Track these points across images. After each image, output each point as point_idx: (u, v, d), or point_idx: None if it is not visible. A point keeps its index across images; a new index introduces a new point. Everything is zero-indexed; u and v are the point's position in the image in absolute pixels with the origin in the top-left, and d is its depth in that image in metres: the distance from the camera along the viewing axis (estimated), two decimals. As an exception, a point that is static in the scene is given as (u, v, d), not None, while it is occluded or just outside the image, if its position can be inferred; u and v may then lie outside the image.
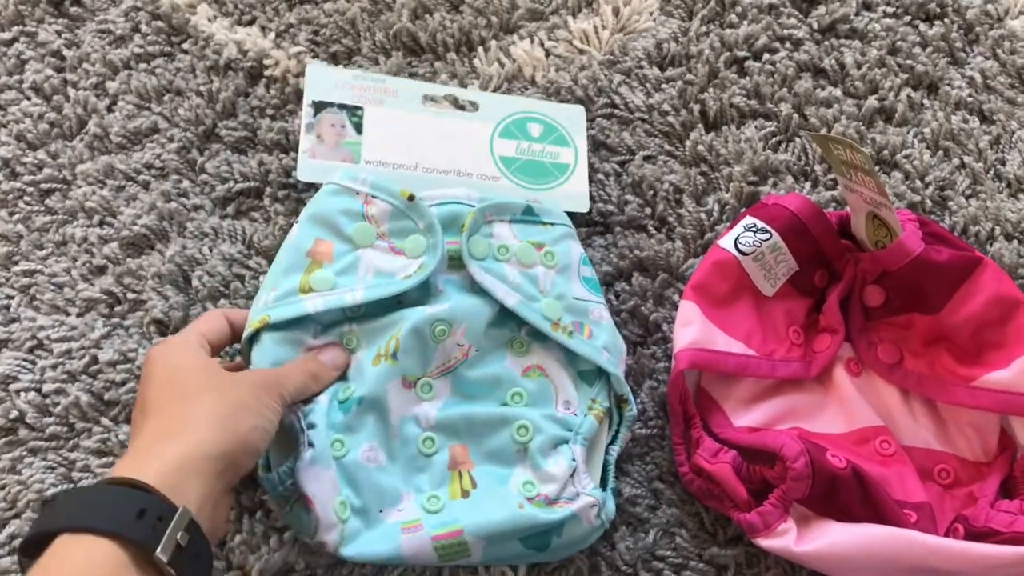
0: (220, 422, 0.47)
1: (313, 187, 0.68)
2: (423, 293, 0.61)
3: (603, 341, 0.61)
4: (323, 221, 0.61)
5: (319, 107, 0.68)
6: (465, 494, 0.56)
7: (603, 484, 0.59)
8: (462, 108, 0.72)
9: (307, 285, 0.59)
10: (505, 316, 0.61)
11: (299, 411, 0.55)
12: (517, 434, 0.58)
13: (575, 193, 0.69)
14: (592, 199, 0.70)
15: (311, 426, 0.55)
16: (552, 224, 0.64)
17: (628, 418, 0.61)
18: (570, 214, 0.67)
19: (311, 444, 0.54)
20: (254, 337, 0.58)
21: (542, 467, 0.57)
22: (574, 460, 0.57)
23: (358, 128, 0.68)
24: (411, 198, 0.61)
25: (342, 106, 0.69)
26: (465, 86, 0.74)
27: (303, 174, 0.67)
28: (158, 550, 0.41)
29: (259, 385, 0.51)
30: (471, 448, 0.58)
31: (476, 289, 0.61)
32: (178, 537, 0.42)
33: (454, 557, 0.54)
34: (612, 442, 0.60)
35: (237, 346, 0.60)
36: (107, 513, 0.41)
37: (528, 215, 0.64)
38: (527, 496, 0.56)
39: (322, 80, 0.69)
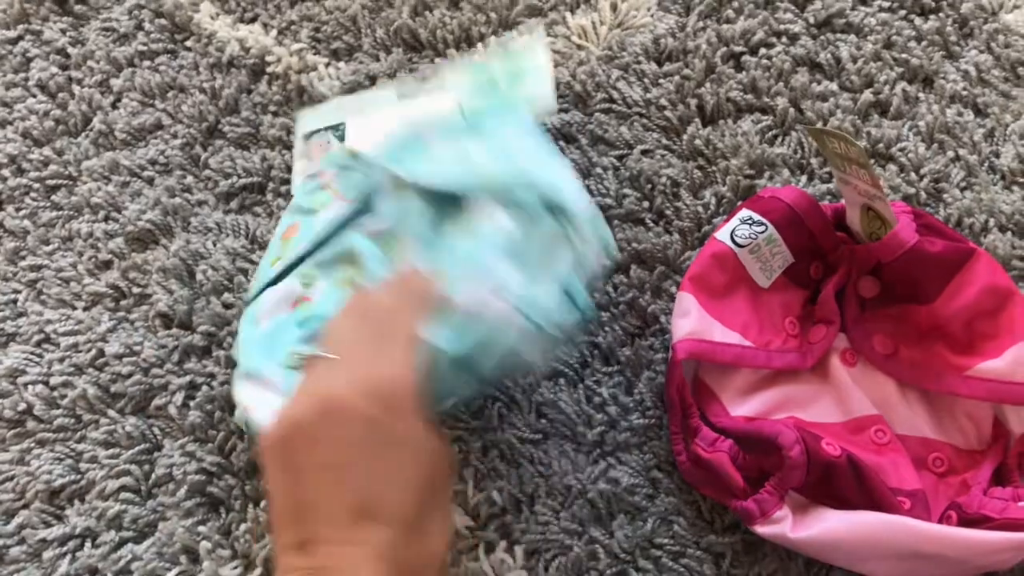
0: None
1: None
2: (364, 216, 0.60)
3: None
4: (294, 208, 0.63)
5: (308, 137, 0.71)
6: None
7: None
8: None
9: (276, 259, 0.60)
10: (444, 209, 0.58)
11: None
12: None
13: (539, 95, 0.67)
14: (591, 193, 0.71)
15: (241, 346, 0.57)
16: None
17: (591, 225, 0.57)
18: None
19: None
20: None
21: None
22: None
23: (341, 139, 0.71)
24: (354, 153, 0.62)
25: (326, 128, 0.71)
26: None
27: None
28: None
29: None
30: None
31: (416, 193, 0.59)
32: None
33: None
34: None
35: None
36: None
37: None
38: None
39: (311, 118, 0.72)
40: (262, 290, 0.60)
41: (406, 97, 0.73)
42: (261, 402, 0.54)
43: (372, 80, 0.75)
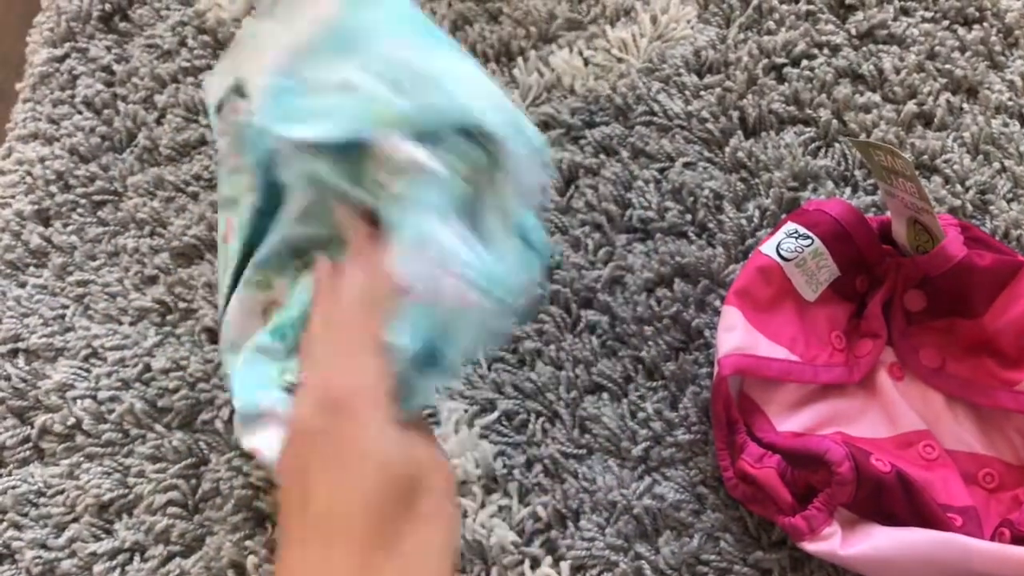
0: None
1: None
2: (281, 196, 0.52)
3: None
4: (221, 201, 0.54)
5: (219, 108, 0.56)
6: None
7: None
8: None
9: (225, 265, 0.53)
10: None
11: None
12: None
13: None
14: (632, 206, 0.71)
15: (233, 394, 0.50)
16: None
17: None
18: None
19: (233, 409, 0.50)
20: None
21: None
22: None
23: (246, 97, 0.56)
24: (246, 121, 0.51)
25: (230, 90, 0.54)
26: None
27: None
28: None
29: None
30: None
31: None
32: None
33: None
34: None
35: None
36: None
37: None
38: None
39: (214, 84, 0.56)
40: (225, 306, 0.53)
41: (285, 18, 0.55)
42: (266, 441, 0.48)
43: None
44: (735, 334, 0.61)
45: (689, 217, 0.71)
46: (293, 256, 0.52)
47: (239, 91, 0.53)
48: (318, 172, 0.49)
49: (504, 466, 0.63)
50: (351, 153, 0.48)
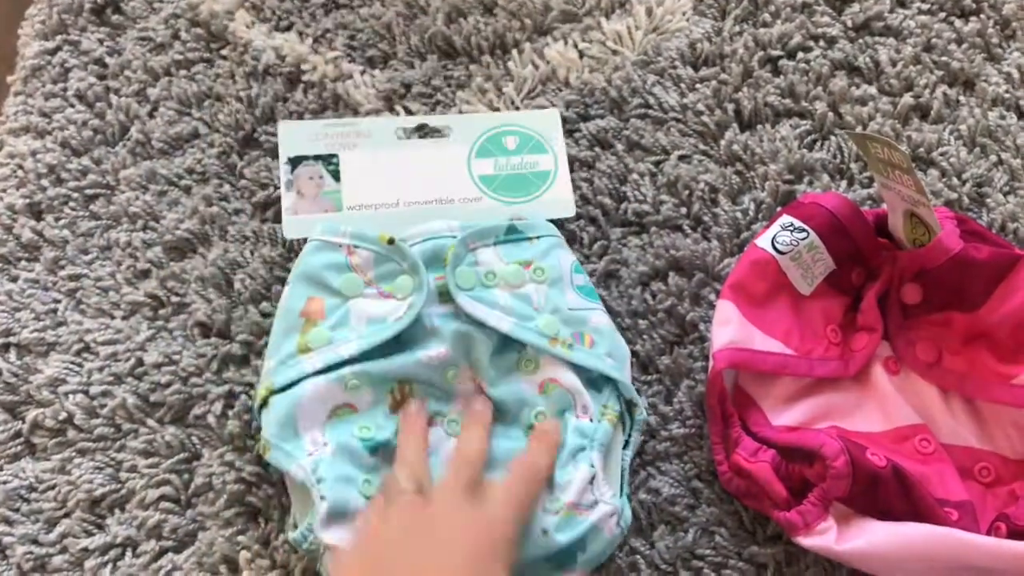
0: None
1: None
2: (418, 330, 0.60)
3: (605, 348, 0.61)
4: (311, 279, 0.62)
5: (295, 163, 0.68)
6: None
7: (619, 490, 0.59)
8: (438, 134, 0.71)
9: (305, 345, 0.59)
10: (507, 340, 0.61)
11: (306, 465, 0.56)
12: None
13: (559, 199, 0.69)
14: (627, 199, 0.71)
15: (320, 480, 0.55)
16: (538, 237, 0.64)
17: (638, 421, 0.61)
18: (557, 223, 0.67)
19: (323, 497, 0.55)
20: (263, 405, 0.59)
21: (561, 479, 0.57)
22: (593, 466, 0.57)
23: (336, 176, 0.68)
24: (391, 241, 0.61)
25: (317, 157, 0.68)
26: (500, 90, 0.75)
27: (288, 231, 0.66)
28: None
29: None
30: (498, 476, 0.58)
31: (470, 320, 0.60)
32: None
33: None
34: (624, 447, 0.61)
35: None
36: None
37: (511, 234, 0.64)
38: (552, 511, 0.55)
39: (294, 136, 0.69)
40: (294, 381, 0.58)
41: (405, 134, 0.71)
42: (344, 541, 0.54)
43: (407, 88, 0.75)
44: (730, 328, 0.61)
45: (684, 210, 0.71)
46: (395, 382, 0.59)
47: (328, 164, 0.68)
48: (469, 337, 0.60)
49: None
50: (509, 347, 0.61)
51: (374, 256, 0.62)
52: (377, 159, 0.69)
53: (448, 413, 0.60)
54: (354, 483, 0.56)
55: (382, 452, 0.57)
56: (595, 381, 0.61)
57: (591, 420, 0.59)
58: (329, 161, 0.68)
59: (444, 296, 0.61)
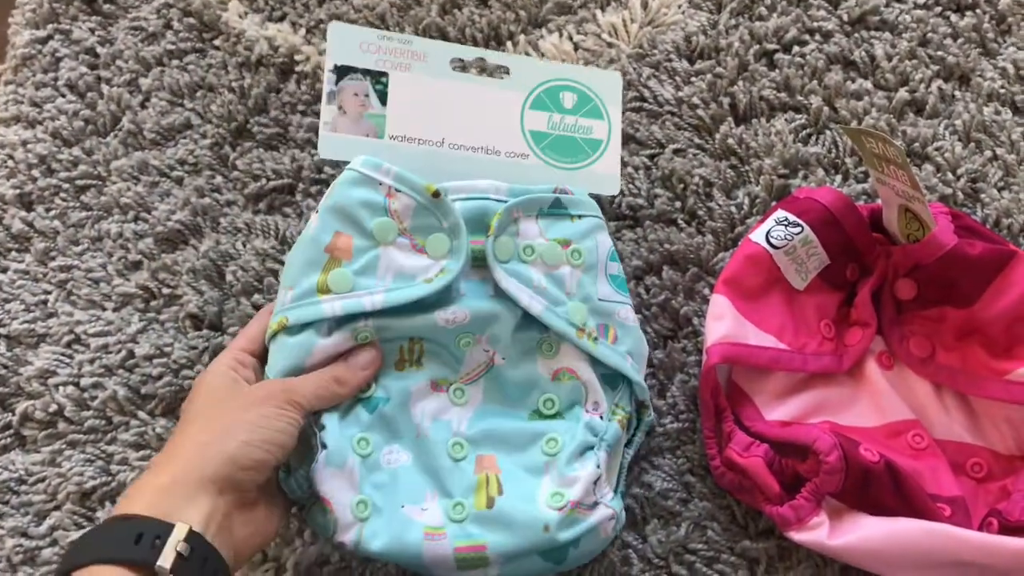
0: (201, 447, 0.50)
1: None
2: (443, 293, 0.59)
3: (628, 346, 0.61)
4: (343, 213, 0.59)
5: (341, 73, 0.63)
6: (491, 503, 0.55)
7: (616, 488, 0.59)
8: (497, 73, 0.70)
9: (325, 285, 0.57)
10: (531, 318, 0.59)
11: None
12: (546, 447, 0.58)
13: (606, 174, 0.66)
14: (622, 192, 0.70)
15: (322, 427, 0.56)
16: (580, 216, 0.62)
17: (646, 423, 0.61)
18: (599, 200, 0.66)
19: (324, 445, 0.55)
20: (274, 338, 0.57)
21: (568, 474, 0.56)
22: (599, 467, 0.57)
23: (382, 98, 0.63)
24: (436, 194, 0.59)
25: (366, 72, 0.63)
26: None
27: (324, 150, 0.62)
28: (158, 562, 0.45)
29: (262, 399, 0.53)
30: (499, 457, 0.58)
31: (499, 292, 0.59)
32: (178, 548, 0.45)
33: (472, 567, 0.54)
34: (627, 445, 0.61)
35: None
36: (110, 544, 0.46)
37: (556, 208, 0.62)
38: (556, 507, 0.55)
39: (345, 41, 0.63)
40: (307, 324, 0.57)
41: (461, 67, 0.67)
42: (335, 495, 0.55)
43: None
44: (724, 322, 0.61)
45: (679, 204, 0.70)
46: (407, 339, 0.59)
47: (378, 82, 0.63)
48: (498, 315, 0.59)
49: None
50: (532, 326, 0.60)
51: (415, 206, 0.59)
52: (428, 88, 0.64)
53: (455, 380, 0.59)
54: (350, 439, 0.56)
55: (378, 413, 0.57)
56: (611, 378, 0.60)
57: (602, 417, 0.59)
58: (378, 80, 0.64)
59: (477, 262, 0.60)
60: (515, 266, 0.59)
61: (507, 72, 0.67)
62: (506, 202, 0.60)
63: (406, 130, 0.63)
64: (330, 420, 0.56)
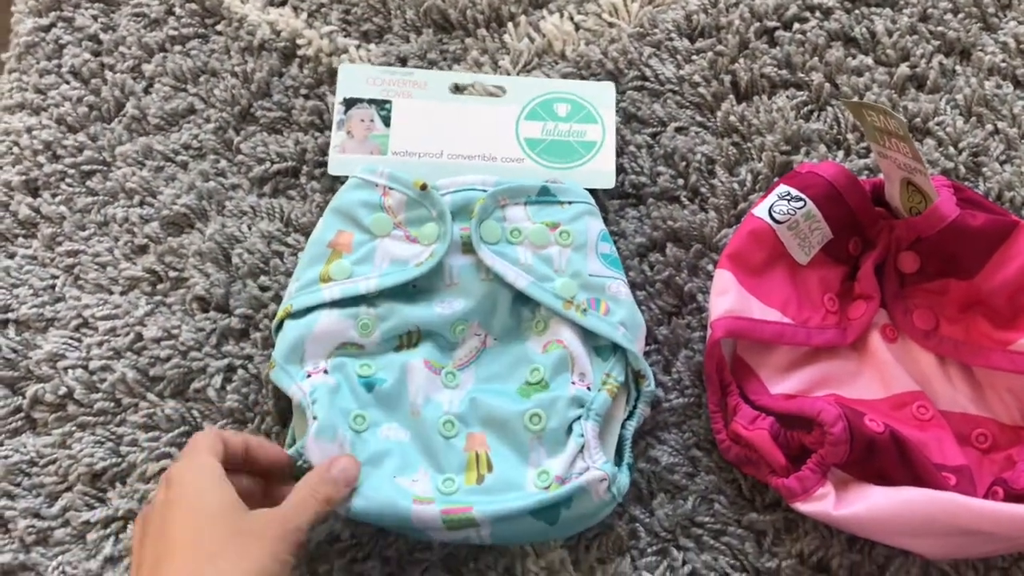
0: None
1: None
2: (438, 279, 0.63)
3: (620, 317, 0.62)
4: (344, 213, 0.64)
5: (349, 104, 0.71)
6: (480, 479, 0.57)
7: (619, 459, 0.59)
8: (492, 95, 0.72)
9: (327, 275, 0.62)
10: (523, 298, 0.63)
11: (304, 386, 0.58)
12: (530, 423, 0.59)
13: (601, 170, 0.69)
14: (624, 171, 0.71)
15: (315, 402, 0.57)
16: (570, 203, 0.65)
17: (646, 393, 0.61)
18: (594, 194, 0.68)
19: (315, 417, 0.57)
20: (280, 325, 0.61)
21: (555, 454, 0.58)
22: (582, 436, 0.58)
23: (387, 122, 0.70)
24: (424, 187, 0.64)
25: (371, 101, 0.71)
26: (496, 63, 0.74)
27: (333, 168, 0.69)
28: None
29: (278, 539, 0.50)
30: (489, 436, 0.60)
31: (491, 276, 0.63)
32: None
33: (460, 527, 0.54)
34: (629, 417, 0.61)
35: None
36: None
37: (544, 196, 0.65)
38: (543, 486, 0.56)
39: (353, 78, 0.72)
40: (308, 309, 0.61)
41: (460, 91, 0.72)
42: (320, 458, 0.56)
43: (403, 62, 0.74)
44: (728, 297, 0.61)
45: (681, 182, 0.71)
46: (406, 328, 0.62)
47: (382, 109, 0.70)
48: (488, 293, 0.63)
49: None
50: (525, 305, 0.63)
51: (406, 200, 0.64)
52: (428, 110, 0.71)
53: (448, 366, 0.62)
54: (346, 415, 0.58)
55: (377, 391, 0.59)
56: (603, 349, 0.62)
57: (589, 388, 0.59)
58: (382, 106, 0.71)
59: (468, 247, 0.63)
60: (502, 247, 0.63)
61: (503, 91, 0.72)
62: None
63: (408, 146, 0.70)
64: (321, 394, 0.58)
